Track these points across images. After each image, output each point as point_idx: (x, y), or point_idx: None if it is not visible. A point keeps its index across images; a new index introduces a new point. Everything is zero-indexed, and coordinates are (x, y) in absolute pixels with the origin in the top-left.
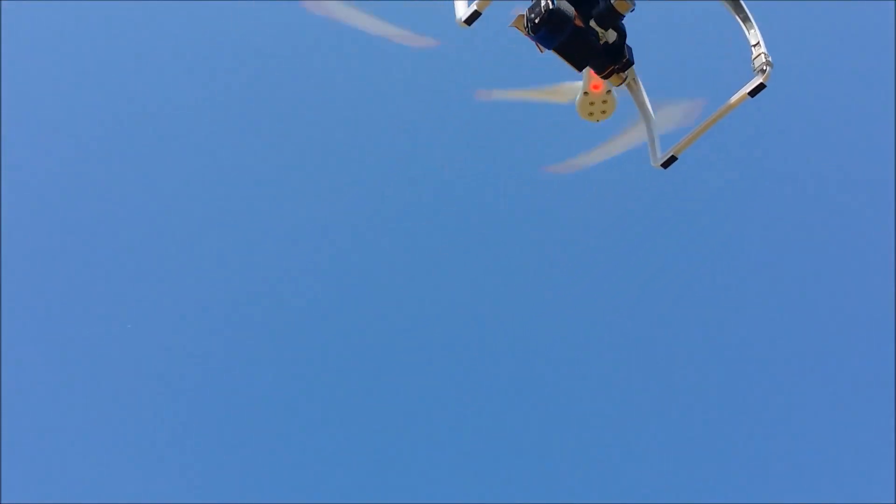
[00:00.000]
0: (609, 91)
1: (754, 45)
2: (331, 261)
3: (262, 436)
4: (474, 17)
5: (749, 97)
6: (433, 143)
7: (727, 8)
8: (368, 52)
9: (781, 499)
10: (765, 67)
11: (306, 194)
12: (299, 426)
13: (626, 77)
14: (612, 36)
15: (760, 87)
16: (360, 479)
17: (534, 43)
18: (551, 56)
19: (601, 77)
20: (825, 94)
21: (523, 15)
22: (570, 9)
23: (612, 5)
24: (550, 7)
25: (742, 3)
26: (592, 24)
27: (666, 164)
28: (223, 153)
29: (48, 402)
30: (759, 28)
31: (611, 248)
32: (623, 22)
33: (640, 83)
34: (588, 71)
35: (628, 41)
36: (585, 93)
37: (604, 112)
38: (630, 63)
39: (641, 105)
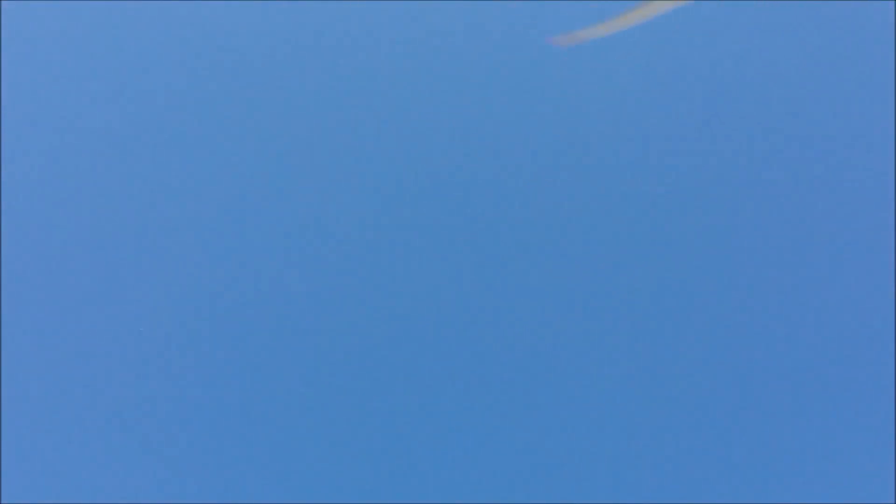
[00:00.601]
0: None
1: None
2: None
3: (258, 435)
4: None
5: None
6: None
7: None
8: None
9: (781, 499)
10: None
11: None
12: (293, 426)
13: None
14: None
15: None
16: (353, 477)
17: None
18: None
19: None
20: (824, 95)
21: None
22: None
23: None
24: None
25: None
26: None
27: None
28: (222, 153)
29: (48, 402)
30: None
31: (607, 244)
32: None
33: None
34: None
35: None
36: None
37: None
38: None
39: None
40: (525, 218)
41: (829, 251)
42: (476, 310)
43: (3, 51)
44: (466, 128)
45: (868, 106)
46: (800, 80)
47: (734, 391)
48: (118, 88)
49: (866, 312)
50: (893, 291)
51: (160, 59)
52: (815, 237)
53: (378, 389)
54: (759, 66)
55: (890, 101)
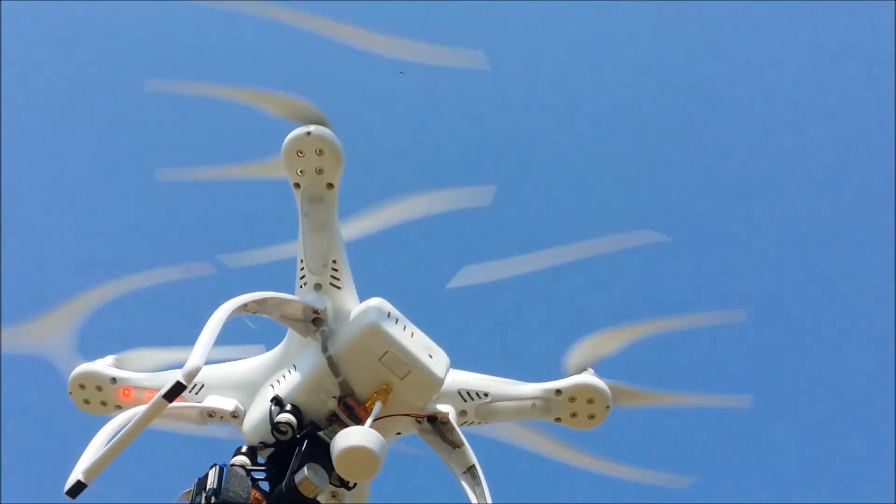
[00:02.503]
0: None
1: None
2: None
3: None
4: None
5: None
6: None
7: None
8: None
9: (780, 499)
10: None
11: None
12: None
13: None
14: None
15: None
16: None
17: None
18: None
19: None
20: (824, 95)
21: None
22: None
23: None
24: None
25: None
26: None
27: (74, 492)
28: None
29: (48, 401)
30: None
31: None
32: None
33: None
34: None
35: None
36: None
37: None
38: None
39: None
40: None
41: (829, 252)
42: None
43: (3, 51)
44: None
45: (868, 106)
46: (798, 81)
47: (733, 390)
48: (118, 88)
49: (866, 312)
50: (894, 291)
51: (161, 59)
52: (814, 237)
53: None
54: (757, 66)
55: (890, 101)
